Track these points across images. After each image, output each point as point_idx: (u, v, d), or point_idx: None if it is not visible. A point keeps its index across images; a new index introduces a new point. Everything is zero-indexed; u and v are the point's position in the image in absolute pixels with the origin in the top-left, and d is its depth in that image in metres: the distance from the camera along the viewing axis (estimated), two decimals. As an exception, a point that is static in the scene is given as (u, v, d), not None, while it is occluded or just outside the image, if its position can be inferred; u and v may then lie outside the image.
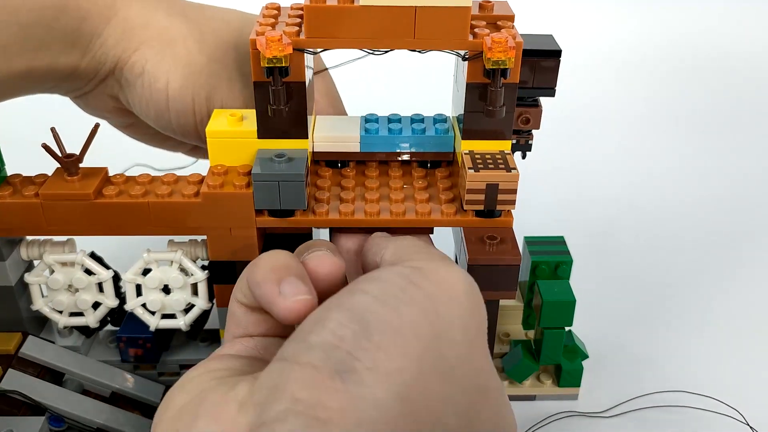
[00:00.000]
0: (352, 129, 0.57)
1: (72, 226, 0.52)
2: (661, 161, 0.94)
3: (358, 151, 0.57)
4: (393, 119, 0.58)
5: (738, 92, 0.98)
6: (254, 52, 0.49)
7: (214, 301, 0.56)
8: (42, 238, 0.55)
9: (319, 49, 0.50)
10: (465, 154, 0.52)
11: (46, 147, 0.49)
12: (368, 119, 0.59)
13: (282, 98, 0.49)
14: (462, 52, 0.50)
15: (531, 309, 0.63)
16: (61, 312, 0.56)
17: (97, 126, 0.51)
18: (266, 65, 0.48)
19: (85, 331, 0.59)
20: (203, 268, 0.55)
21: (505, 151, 0.53)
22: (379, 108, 0.61)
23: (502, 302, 0.56)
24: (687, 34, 0.96)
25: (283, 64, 0.48)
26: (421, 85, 0.71)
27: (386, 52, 0.51)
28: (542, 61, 0.54)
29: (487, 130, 0.53)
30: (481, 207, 0.52)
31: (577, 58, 0.57)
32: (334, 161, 0.58)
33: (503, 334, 0.67)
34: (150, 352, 0.58)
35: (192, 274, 0.55)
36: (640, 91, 0.98)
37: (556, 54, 0.54)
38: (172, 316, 0.56)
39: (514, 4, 0.54)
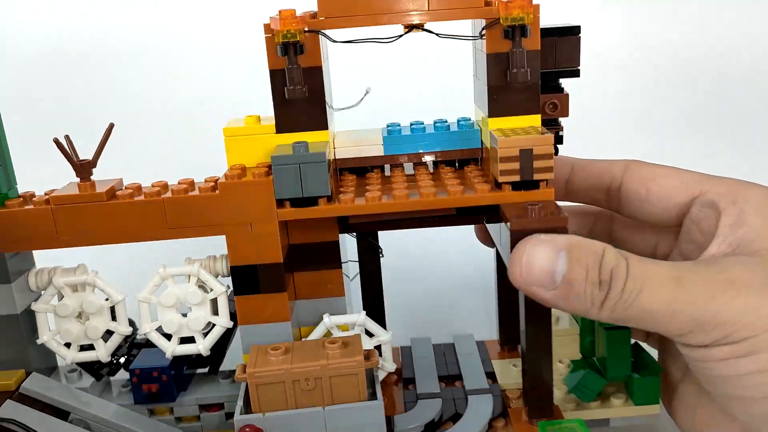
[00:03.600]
0: (373, 133, 0.56)
1: (84, 234, 0.49)
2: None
3: (382, 154, 0.55)
4: (415, 123, 0.56)
5: (741, 94, 0.97)
6: (269, 38, 0.48)
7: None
8: (50, 267, 0.52)
9: (334, 31, 0.49)
10: (494, 130, 0.50)
11: (57, 142, 0.47)
12: (390, 125, 0.57)
13: (298, 77, 0.48)
14: (479, 31, 0.50)
15: (590, 333, 0.56)
16: (69, 346, 0.51)
17: (111, 126, 0.49)
18: (281, 41, 0.47)
19: (95, 373, 0.53)
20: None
21: (535, 126, 0.50)
22: (398, 119, 0.59)
23: (554, 327, 0.51)
24: (688, 35, 0.96)
25: (298, 39, 0.47)
26: (439, 99, 0.71)
27: (400, 36, 0.50)
28: (562, 39, 0.53)
29: (514, 103, 0.50)
30: (516, 177, 0.48)
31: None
32: (358, 168, 0.55)
33: (559, 360, 0.59)
34: (166, 387, 0.52)
35: (211, 289, 0.51)
36: (640, 93, 0.97)
37: (575, 30, 0.53)
38: (190, 341, 0.51)
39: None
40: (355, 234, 0.58)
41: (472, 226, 0.61)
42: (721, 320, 0.43)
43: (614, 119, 0.89)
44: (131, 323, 0.57)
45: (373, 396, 0.47)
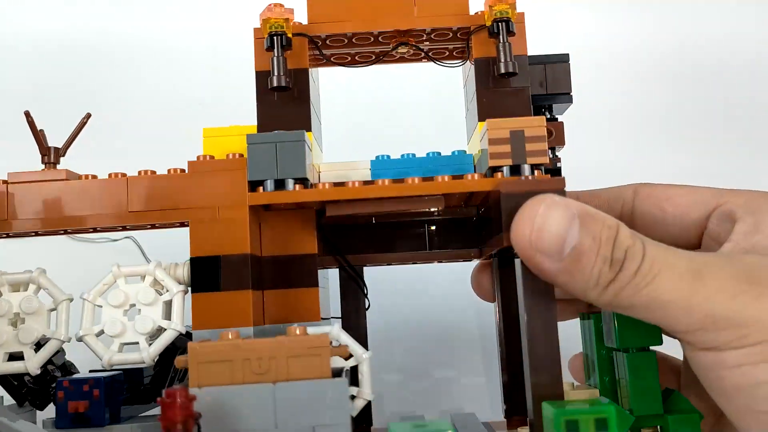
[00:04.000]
0: (361, 162, 0.53)
1: (39, 218, 0.45)
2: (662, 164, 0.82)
3: (369, 179, 0.52)
4: (406, 155, 0.54)
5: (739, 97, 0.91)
6: (258, 40, 0.49)
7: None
8: (-2, 273, 0.47)
9: (322, 35, 0.49)
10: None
11: (27, 115, 0.46)
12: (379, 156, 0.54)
13: (283, 67, 0.47)
14: (466, 36, 0.50)
15: (608, 371, 0.47)
16: (-5, 353, 0.44)
17: (88, 116, 0.48)
18: (268, 32, 0.47)
19: (17, 395, 0.45)
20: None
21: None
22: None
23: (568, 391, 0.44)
24: (689, 37, 0.92)
25: (284, 31, 0.48)
26: (432, 137, 0.67)
27: (384, 56, 0.51)
28: (552, 66, 0.53)
29: (504, 106, 0.48)
30: (508, 161, 0.44)
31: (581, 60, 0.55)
32: (344, 193, 0.52)
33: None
34: (96, 407, 0.43)
35: (167, 290, 0.45)
36: (639, 95, 0.91)
37: (564, 58, 0.53)
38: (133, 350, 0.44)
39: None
40: (338, 267, 0.53)
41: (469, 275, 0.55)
42: (738, 320, 0.38)
43: (618, 120, 0.84)
44: (68, 367, 0.50)
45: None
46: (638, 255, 0.39)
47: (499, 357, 0.55)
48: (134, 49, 0.83)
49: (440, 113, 0.59)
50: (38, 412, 0.47)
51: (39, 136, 0.46)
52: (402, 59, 0.55)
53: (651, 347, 0.44)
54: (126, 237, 0.71)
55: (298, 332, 0.39)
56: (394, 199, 0.46)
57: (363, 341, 0.53)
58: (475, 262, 0.56)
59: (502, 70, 0.47)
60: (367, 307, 0.54)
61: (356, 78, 0.63)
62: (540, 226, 0.38)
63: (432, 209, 0.46)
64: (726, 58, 0.85)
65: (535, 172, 0.44)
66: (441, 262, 0.53)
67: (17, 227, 0.45)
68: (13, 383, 0.46)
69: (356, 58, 0.54)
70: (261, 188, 0.45)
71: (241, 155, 0.46)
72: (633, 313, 0.40)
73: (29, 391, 0.46)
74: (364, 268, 0.54)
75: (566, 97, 0.53)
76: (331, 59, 0.54)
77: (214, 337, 0.43)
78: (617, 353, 0.45)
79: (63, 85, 0.83)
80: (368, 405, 0.44)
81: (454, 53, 0.54)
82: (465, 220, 0.52)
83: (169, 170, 0.46)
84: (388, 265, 0.53)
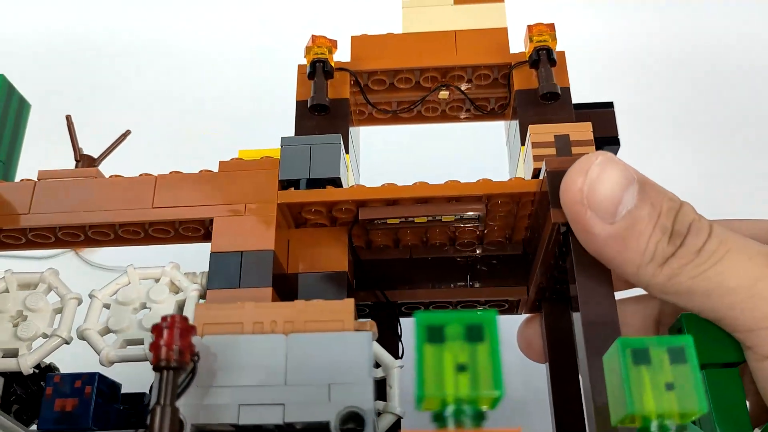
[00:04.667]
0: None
1: (60, 212, 0.43)
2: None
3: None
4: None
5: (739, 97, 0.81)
6: (300, 77, 0.50)
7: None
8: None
9: (363, 71, 0.50)
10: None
11: (69, 119, 0.46)
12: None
13: (324, 91, 0.48)
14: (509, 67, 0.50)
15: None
16: (-12, 352, 0.40)
17: (128, 132, 0.48)
18: (311, 57, 0.48)
19: (4, 402, 0.40)
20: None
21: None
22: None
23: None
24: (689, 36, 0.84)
25: (327, 58, 0.48)
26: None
27: (425, 97, 0.51)
28: (596, 112, 0.52)
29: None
30: (553, 164, 0.42)
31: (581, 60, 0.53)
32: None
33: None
34: (83, 406, 0.37)
35: (181, 290, 0.41)
36: (640, 95, 0.81)
37: (609, 105, 0.52)
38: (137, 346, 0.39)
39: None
40: (372, 302, 0.48)
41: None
42: None
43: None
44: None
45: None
46: (704, 231, 0.34)
47: (553, 427, 0.47)
48: (162, 55, 0.85)
49: (483, 166, 0.57)
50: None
51: (76, 142, 0.46)
52: (444, 115, 0.55)
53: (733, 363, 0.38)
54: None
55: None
56: (430, 202, 0.43)
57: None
58: (522, 318, 0.50)
59: (543, 91, 0.46)
60: (400, 355, 0.48)
61: (396, 135, 0.62)
62: (594, 179, 0.35)
63: (472, 214, 0.42)
64: (728, 58, 0.84)
65: (583, 175, 0.42)
66: (480, 302, 0.48)
67: (35, 220, 0.43)
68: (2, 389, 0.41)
69: (398, 113, 0.54)
70: (292, 189, 0.43)
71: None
72: (690, 302, 0.34)
73: (18, 399, 0.41)
74: (401, 320, 0.49)
75: (613, 139, 0.51)
76: (374, 113, 0.54)
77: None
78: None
79: (91, 86, 0.84)
80: (397, 423, 0.38)
81: (497, 108, 0.54)
82: (510, 258, 0.48)
83: (200, 170, 0.44)
84: (426, 306, 0.48)
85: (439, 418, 0.23)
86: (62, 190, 0.44)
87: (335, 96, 0.49)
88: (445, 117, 0.55)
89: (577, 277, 0.36)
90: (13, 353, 0.40)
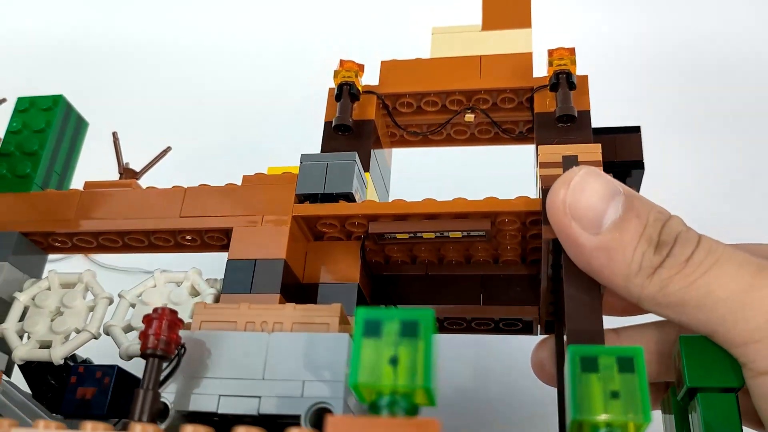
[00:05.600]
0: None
1: (100, 219, 0.47)
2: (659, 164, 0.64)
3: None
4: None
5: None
6: (329, 99, 0.53)
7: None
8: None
9: (390, 94, 0.52)
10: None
11: (115, 136, 0.50)
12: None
13: (348, 112, 0.50)
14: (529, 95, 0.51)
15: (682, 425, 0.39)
16: (24, 339, 0.44)
17: (168, 149, 0.52)
18: (339, 80, 0.51)
19: (37, 390, 0.44)
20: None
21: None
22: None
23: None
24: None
25: (354, 81, 0.51)
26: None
27: (450, 120, 0.53)
28: (622, 137, 0.51)
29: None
30: (558, 183, 0.42)
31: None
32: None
33: None
34: (101, 395, 0.41)
35: (200, 293, 0.44)
36: (640, 94, 0.77)
37: (636, 129, 0.52)
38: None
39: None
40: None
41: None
42: None
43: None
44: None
45: (342, 348, 0.34)
46: (692, 241, 0.34)
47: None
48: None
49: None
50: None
51: (120, 157, 0.50)
52: (473, 138, 0.56)
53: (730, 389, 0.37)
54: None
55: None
56: (439, 218, 0.44)
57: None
58: (538, 339, 0.50)
59: (559, 113, 0.47)
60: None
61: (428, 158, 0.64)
62: (576, 189, 0.35)
63: (479, 231, 0.43)
64: (730, 57, 0.80)
65: (589, 195, 0.42)
66: (493, 327, 0.49)
67: (79, 225, 0.47)
68: (37, 379, 0.45)
69: (428, 135, 0.56)
70: (307, 202, 0.45)
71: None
72: (683, 315, 0.34)
73: (49, 389, 0.44)
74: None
75: (638, 164, 0.51)
76: (405, 135, 0.56)
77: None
78: (691, 406, 0.37)
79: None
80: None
81: (525, 131, 0.55)
82: (524, 277, 0.49)
83: (226, 183, 0.47)
84: (440, 322, 0.49)
85: (374, 408, 0.24)
86: (103, 199, 0.48)
87: (361, 117, 0.52)
88: (473, 140, 0.57)
89: (565, 289, 0.37)
90: (48, 345, 0.44)
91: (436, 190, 0.50)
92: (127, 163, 0.51)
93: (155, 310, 0.32)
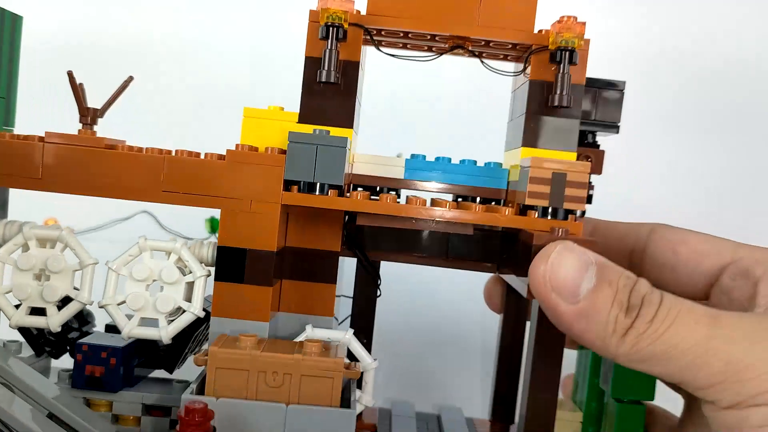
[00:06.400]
0: (396, 159, 0.52)
1: (70, 180, 0.45)
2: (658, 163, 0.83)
3: (402, 177, 0.52)
4: (441, 157, 0.54)
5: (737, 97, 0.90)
6: (312, 24, 0.47)
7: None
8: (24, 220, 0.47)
9: (379, 28, 0.48)
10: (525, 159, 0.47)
11: (70, 75, 0.45)
12: (414, 155, 0.54)
13: (334, 63, 0.46)
14: (524, 56, 0.48)
15: (594, 421, 0.50)
16: (18, 306, 0.45)
17: (130, 79, 0.47)
18: (325, 21, 0.46)
19: (37, 345, 0.47)
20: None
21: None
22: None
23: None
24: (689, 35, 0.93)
25: (342, 23, 0.46)
26: (470, 143, 0.68)
27: (440, 54, 0.49)
28: (604, 91, 0.52)
29: (550, 135, 0.48)
30: (545, 202, 0.44)
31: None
32: (373, 187, 0.52)
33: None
34: (112, 374, 0.45)
35: (191, 271, 0.46)
36: (641, 93, 0.93)
37: (620, 85, 0.52)
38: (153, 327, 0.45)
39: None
40: (356, 258, 0.53)
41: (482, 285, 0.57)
42: (763, 369, 0.37)
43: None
44: (88, 317, 0.51)
45: (346, 407, 0.40)
46: (655, 301, 0.39)
47: (495, 365, 0.57)
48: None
49: (482, 111, 0.58)
50: (53, 360, 0.50)
51: (80, 96, 0.45)
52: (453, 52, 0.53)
53: (643, 401, 0.46)
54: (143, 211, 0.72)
55: (314, 349, 0.41)
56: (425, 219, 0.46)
57: (370, 328, 0.55)
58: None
59: (556, 103, 0.46)
60: (378, 295, 0.55)
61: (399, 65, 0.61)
62: (554, 265, 0.39)
63: (462, 233, 0.46)
64: (733, 57, 0.83)
65: (569, 216, 0.45)
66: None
67: (46, 186, 0.45)
68: (33, 334, 0.48)
69: (408, 47, 0.52)
70: (296, 188, 0.45)
71: (281, 150, 0.45)
72: (653, 366, 0.40)
73: (47, 342, 0.48)
74: (382, 262, 0.55)
75: (613, 127, 0.52)
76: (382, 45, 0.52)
77: (231, 326, 0.45)
78: (608, 403, 0.47)
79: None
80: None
81: (508, 58, 0.52)
82: (489, 233, 0.53)
83: (206, 155, 0.45)
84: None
85: None
86: (72, 159, 0.45)
87: (346, 57, 0.47)
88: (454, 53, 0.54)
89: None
90: (40, 312, 0.46)
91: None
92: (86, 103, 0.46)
93: (187, 410, 0.35)
